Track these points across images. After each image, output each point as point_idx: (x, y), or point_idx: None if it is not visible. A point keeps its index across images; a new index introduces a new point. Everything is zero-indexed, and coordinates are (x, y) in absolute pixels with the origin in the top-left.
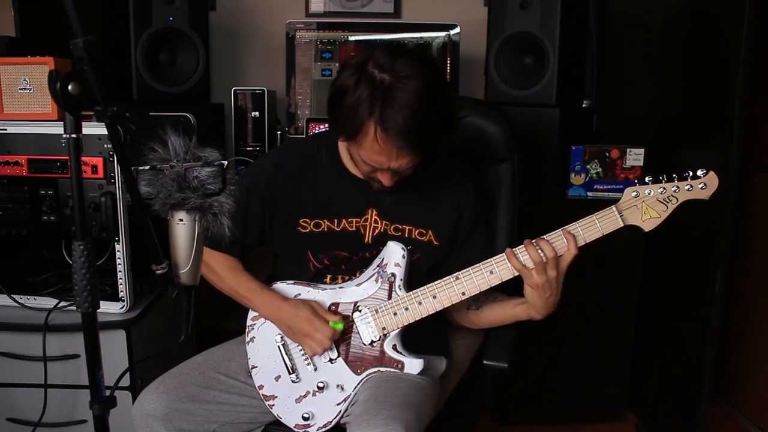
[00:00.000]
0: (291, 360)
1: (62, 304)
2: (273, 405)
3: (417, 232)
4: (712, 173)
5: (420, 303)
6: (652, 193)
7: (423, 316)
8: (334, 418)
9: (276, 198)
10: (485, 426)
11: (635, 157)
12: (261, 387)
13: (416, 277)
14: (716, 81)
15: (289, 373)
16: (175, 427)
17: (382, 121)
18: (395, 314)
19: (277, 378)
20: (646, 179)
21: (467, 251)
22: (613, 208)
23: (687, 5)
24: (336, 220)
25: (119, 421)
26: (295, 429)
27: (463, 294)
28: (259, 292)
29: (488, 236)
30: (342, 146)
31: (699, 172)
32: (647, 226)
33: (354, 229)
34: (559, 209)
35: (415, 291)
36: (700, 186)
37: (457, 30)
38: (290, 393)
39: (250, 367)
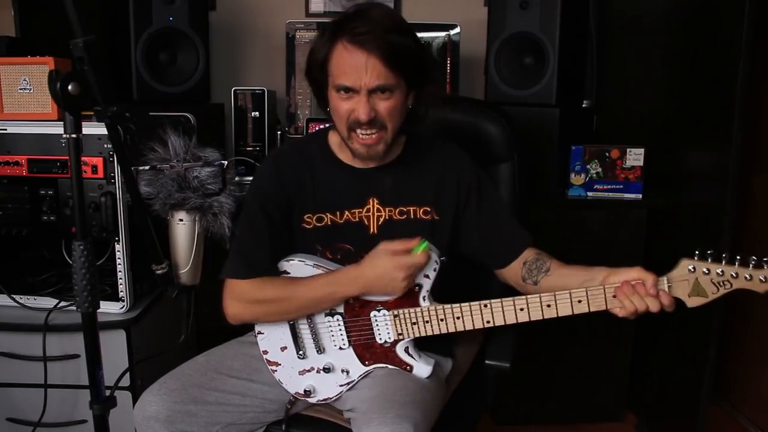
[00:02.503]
0: (300, 339)
1: (62, 304)
2: (276, 371)
3: (422, 211)
4: None
5: (442, 320)
6: (710, 272)
7: (441, 332)
8: (335, 396)
9: (287, 198)
10: (486, 426)
11: (635, 157)
12: (265, 352)
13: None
14: (716, 81)
15: (297, 350)
16: (177, 428)
17: (350, 31)
18: (414, 323)
19: (283, 349)
20: (707, 253)
21: (490, 218)
22: (665, 279)
23: (687, 5)
24: (338, 213)
25: (119, 421)
26: (294, 395)
27: (488, 323)
28: (333, 281)
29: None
30: (333, 137)
31: (763, 261)
32: (691, 303)
33: (357, 219)
34: (559, 209)
35: (440, 306)
36: (760, 278)
37: (457, 30)
38: (294, 365)
39: (257, 331)
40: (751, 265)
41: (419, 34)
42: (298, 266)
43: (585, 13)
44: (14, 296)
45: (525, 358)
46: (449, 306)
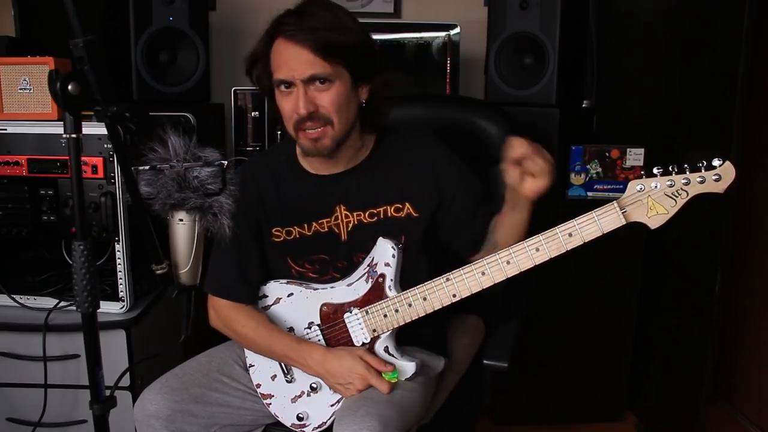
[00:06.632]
0: (285, 363)
1: (62, 304)
2: (270, 404)
3: (393, 209)
4: (728, 163)
5: (410, 305)
6: (659, 186)
7: (414, 318)
8: (329, 419)
9: (254, 215)
10: (485, 426)
11: (635, 157)
12: (258, 385)
13: (412, 263)
14: (716, 81)
15: (284, 374)
16: (177, 428)
17: (281, 28)
18: (385, 316)
19: (273, 377)
20: (655, 170)
21: (468, 208)
22: (615, 204)
23: (687, 5)
24: (306, 225)
25: (119, 421)
26: (291, 428)
27: (454, 296)
28: (296, 348)
29: (483, 189)
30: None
31: (715, 162)
32: (653, 223)
33: (326, 229)
34: (559, 209)
35: (405, 292)
36: (713, 177)
37: (457, 30)
38: (286, 393)
39: (248, 365)
40: (701, 169)
41: (419, 34)
42: (271, 286)
43: (585, 12)
44: (14, 296)
45: (524, 358)
46: (413, 289)
